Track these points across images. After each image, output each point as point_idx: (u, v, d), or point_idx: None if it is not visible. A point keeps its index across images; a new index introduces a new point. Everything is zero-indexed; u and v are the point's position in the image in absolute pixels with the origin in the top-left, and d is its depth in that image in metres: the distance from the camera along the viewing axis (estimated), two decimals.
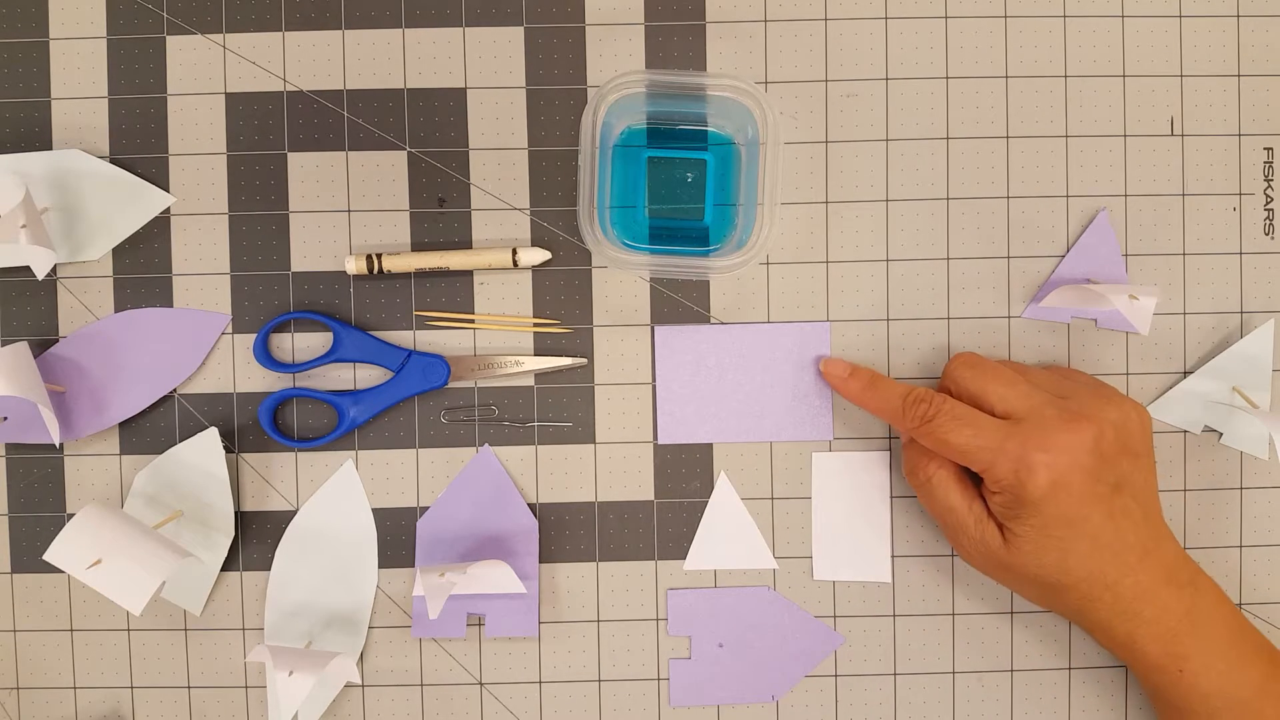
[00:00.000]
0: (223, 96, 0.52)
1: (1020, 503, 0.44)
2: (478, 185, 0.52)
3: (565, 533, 0.52)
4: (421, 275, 0.52)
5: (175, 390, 0.52)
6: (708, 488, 0.52)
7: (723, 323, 0.52)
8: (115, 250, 0.52)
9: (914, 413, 0.46)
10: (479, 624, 0.52)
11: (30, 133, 0.52)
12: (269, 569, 0.52)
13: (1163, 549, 0.46)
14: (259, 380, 0.52)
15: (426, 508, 0.52)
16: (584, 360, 0.52)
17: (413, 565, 0.52)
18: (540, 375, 0.52)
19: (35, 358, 0.50)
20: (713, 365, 0.52)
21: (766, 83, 0.52)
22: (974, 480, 0.48)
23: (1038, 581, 0.46)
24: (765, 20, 0.52)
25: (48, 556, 0.45)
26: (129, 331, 0.52)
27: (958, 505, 0.47)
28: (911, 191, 0.52)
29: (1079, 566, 0.45)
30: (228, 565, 0.52)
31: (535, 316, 0.52)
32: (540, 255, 0.51)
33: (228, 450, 0.52)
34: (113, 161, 0.52)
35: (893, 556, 0.52)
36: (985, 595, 0.52)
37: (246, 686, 0.52)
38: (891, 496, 0.52)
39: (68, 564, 0.45)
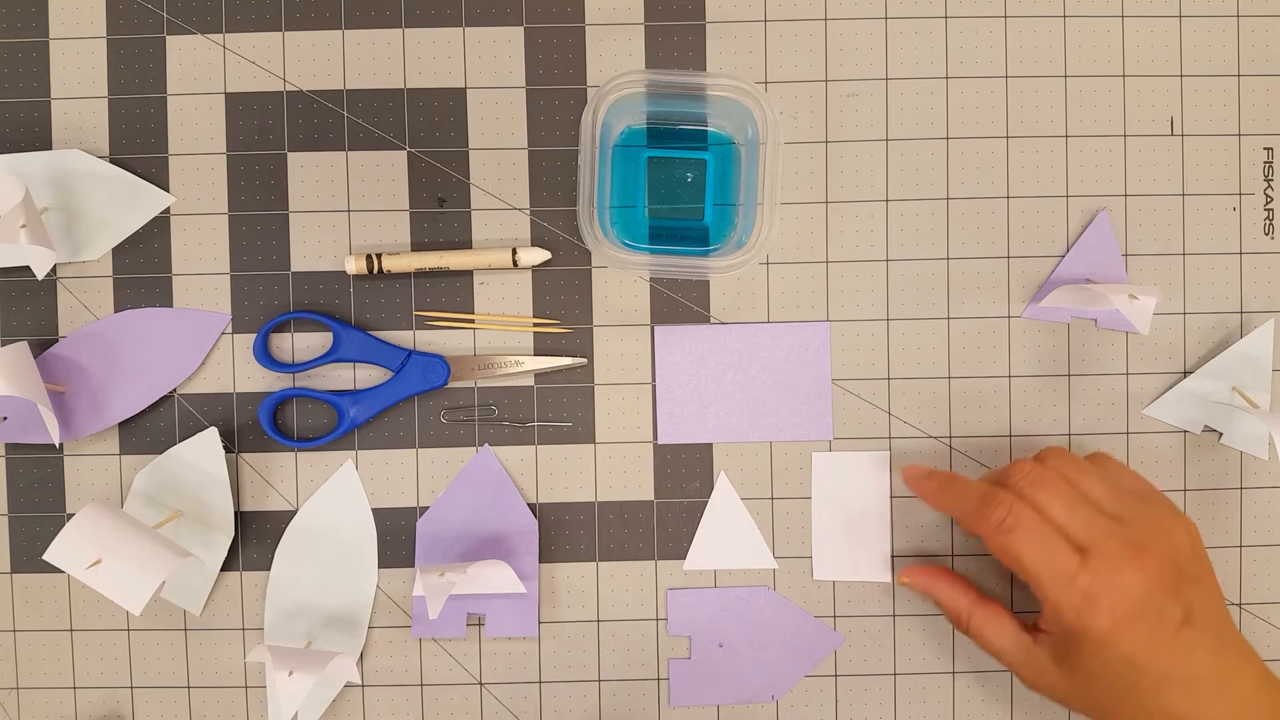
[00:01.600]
0: (223, 96, 0.52)
1: (1082, 638, 0.44)
2: (478, 185, 0.52)
3: (565, 533, 0.52)
4: (421, 275, 0.52)
5: (175, 390, 0.52)
6: (708, 488, 0.52)
7: (723, 323, 0.52)
8: (115, 250, 0.52)
9: (991, 515, 0.45)
10: (479, 624, 0.52)
11: (30, 133, 0.52)
12: (269, 569, 0.52)
13: (1242, 675, 0.44)
14: (259, 380, 0.52)
15: (426, 508, 0.52)
16: (584, 360, 0.52)
17: (413, 565, 0.52)
18: (540, 375, 0.52)
19: (35, 358, 0.50)
20: (713, 365, 0.52)
21: (766, 83, 0.52)
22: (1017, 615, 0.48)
23: (1105, 711, 0.45)
24: (765, 20, 0.52)
25: (48, 556, 0.45)
26: (129, 331, 0.52)
27: (1006, 647, 0.47)
28: (911, 191, 0.52)
29: (1147, 700, 0.43)
30: (228, 565, 0.52)
31: (535, 316, 0.52)
32: (540, 255, 0.51)
33: (228, 450, 0.52)
34: (113, 161, 0.52)
35: (892, 556, 0.52)
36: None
37: (246, 686, 0.52)
38: (891, 496, 0.52)
39: (68, 564, 0.45)
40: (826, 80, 0.52)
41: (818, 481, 0.52)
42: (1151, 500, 0.47)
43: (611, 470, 0.52)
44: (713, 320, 0.52)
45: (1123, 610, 0.43)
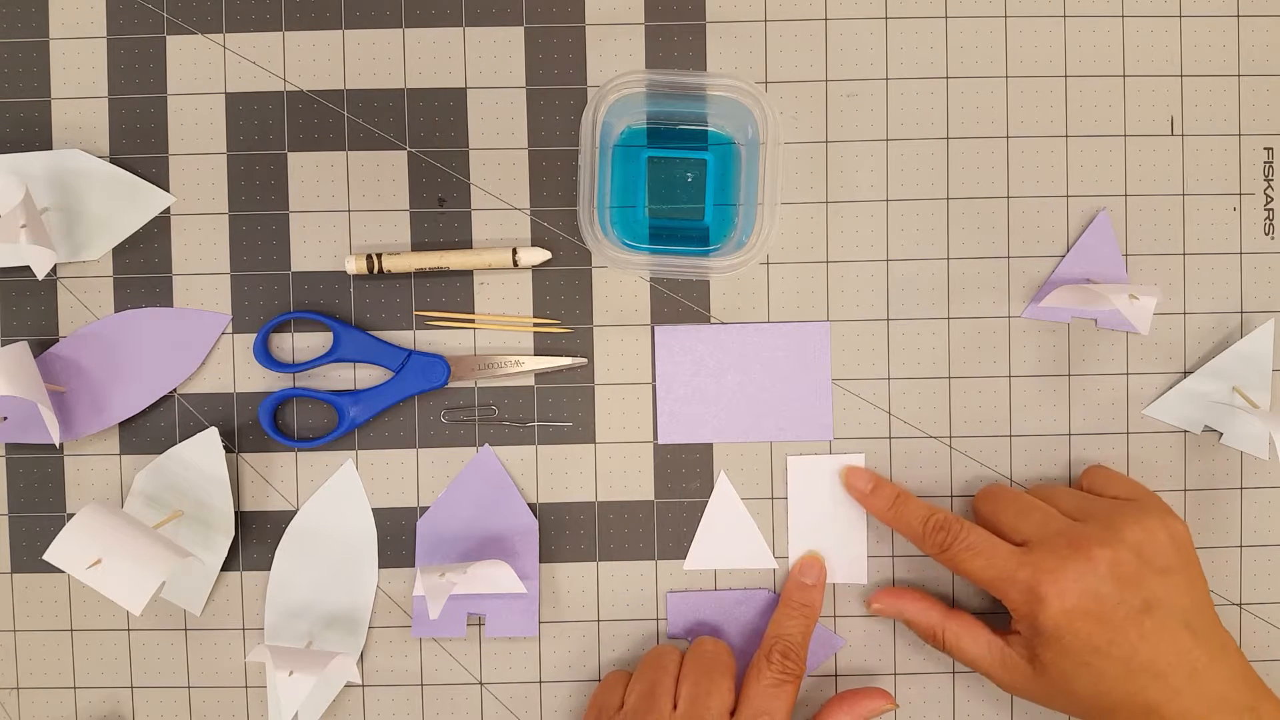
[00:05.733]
0: (223, 96, 0.52)
1: (1038, 632, 0.45)
2: (478, 185, 0.52)
3: (565, 533, 0.52)
4: (421, 275, 0.52)
5: (175, 390, 0.52)
6: (708, 488, 0.52)
7: (723, 323, 0.52)
8: (115, 250, 0.52)
9: (932, 540, 0.48)
10: (479, 624, 0.52)
11: (30, 133, 0.52)
12: (269, 569, 0.52)
13: (1215, 670, 0.43)
14: (259, 380, 0.52)
15: (426, 508, 0.52)
16: (584, 360, 0.52)
17: (413, 565, 0.52)
18: (540, 375, 0.52)
19: (35, 358, 0.50)
20: (713, 365, 0.52)
21: (766, 83, 0.52)
22: (989, 621, 0.49)
23: (1080, 705, 0.45)
24: (765, 20, 0.52)
25: (48, 556, 0.45)
26: (129, 331, 0.52)
27: (982, 654, 0.47)
28: (911, 191, 0.52)
29: (1115, 690, 0.44)
30: (228, 565, 0.52)
31: (535, 316, 0.52)
32: (540, 255, 0.51)
33: (228, 450, 0.52)
34: (113, 161, 0.52)
35: (868, 557, 0.52)
36: (983, 595, 0.52)
37: (246, 686, 0.52)
38: None
39: (68, 564, 0.45)
40: (826, 80, 0.52)
41: (793, 485, 0.52)
42: (1137, 502, 0.48)
43: (611, 470, 0.52)
44: (713, 320, 0.52)
45: (1071, 598, 0.44)
